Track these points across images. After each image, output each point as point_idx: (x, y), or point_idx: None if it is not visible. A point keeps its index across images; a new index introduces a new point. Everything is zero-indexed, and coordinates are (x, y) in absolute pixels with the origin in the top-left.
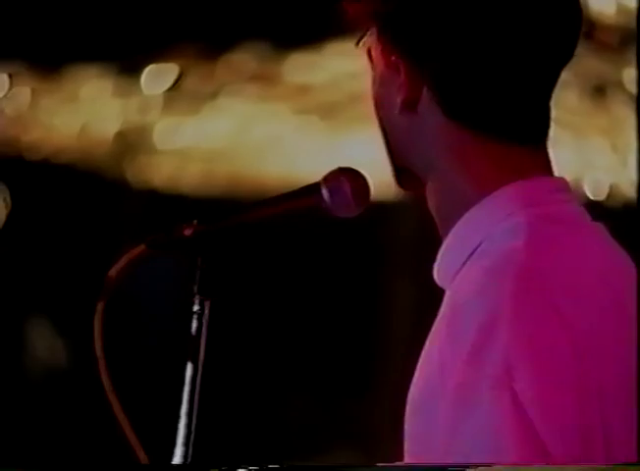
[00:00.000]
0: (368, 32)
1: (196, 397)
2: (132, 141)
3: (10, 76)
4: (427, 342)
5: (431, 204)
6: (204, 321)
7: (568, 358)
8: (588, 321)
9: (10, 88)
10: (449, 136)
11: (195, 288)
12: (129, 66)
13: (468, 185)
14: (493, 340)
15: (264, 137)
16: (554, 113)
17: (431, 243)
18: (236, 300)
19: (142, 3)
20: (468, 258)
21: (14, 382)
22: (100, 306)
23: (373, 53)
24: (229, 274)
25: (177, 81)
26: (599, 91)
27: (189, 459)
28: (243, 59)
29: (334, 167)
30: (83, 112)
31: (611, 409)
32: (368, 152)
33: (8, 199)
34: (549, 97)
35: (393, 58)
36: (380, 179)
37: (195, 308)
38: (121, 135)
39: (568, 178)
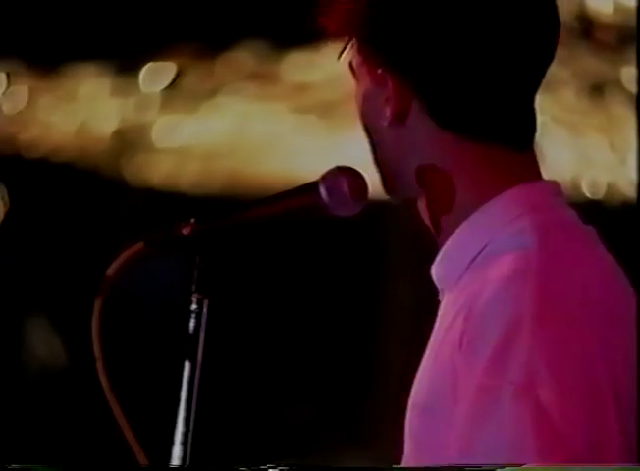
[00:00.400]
0: (349, 45)
1: (195, 397)
2: (130, 140)
3: (8, 74)
4: (431, 343)
5: (425, 214)
6: (202, 320)
7: (590, 362)
8: (601, 324)
9: (8, 87)
10: (441, 145)
11: (193, 287)
12: (127, 64)
13: (466, 192)
14: (515, 346)
15: (262, 136)
16: (553, 111)
17: (431, 244)
18: (234, 299)
19: (141, 2)
20: (472, 261)
21: (12, 381)
22: (98, 304)
23: (355, 66)
24: (227, 273)
25: (175, 80)
26: (597, 90)
27: (188, 459)
28: (242, 58)
29: (332, 165)
30: (82, 110)
31: (627, 414)
32: (366, 151)
33: (6, 198)
34: (533, 99)
35: (379, 71)
36: (378, 178)
37: (193, 307)
38: (119, 134)
39: (567, 176)
